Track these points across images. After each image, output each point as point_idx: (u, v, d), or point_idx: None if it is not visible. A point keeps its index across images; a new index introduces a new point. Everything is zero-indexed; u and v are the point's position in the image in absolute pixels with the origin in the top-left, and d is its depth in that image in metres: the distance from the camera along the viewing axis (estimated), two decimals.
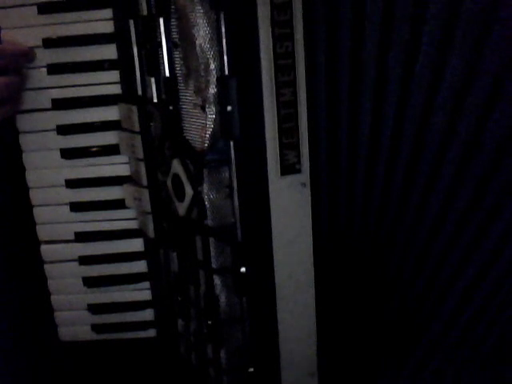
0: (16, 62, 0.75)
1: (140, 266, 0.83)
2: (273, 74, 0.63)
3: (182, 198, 0.70)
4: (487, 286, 0.72)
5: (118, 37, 0.75)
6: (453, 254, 0.71)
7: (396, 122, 0.68)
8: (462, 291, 0.73)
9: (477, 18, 0.61)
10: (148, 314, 0.85)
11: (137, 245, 0.83)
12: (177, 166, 0.69)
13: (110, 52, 0.76)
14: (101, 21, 0.75)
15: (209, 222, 0.68)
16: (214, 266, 0.69)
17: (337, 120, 0.68)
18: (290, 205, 0.67)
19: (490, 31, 0.61)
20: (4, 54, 0.73)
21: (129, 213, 0.82)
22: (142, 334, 0.86)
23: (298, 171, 0.66)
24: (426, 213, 0.71)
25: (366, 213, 0.72)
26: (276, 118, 0.64)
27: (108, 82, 0.77)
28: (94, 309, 0.85)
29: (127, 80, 0.76)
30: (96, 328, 0.86)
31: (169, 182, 0.72)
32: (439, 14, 0.62)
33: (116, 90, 0.77)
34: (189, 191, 0.68)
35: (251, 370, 0.72)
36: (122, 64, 0.76)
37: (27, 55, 0.76)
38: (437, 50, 0.63)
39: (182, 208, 0.70)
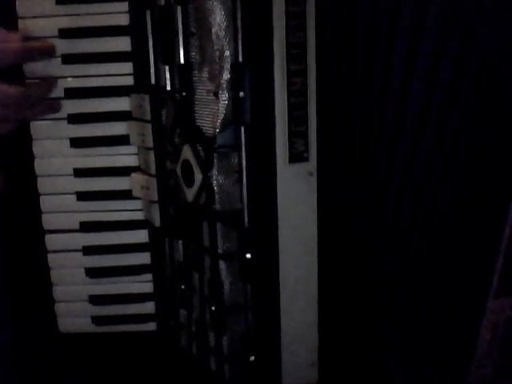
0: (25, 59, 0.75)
1: (143, 258, 0.84)
2: (285, 63, 0.65)
3: (191, 184, 0.71)
4: None
5: (132, 29, 0.77)
6: None
7: (396, 118, 0.71)
8: None
9: None
10: (149, 307, 0.85)
11: (141, 236, 0.84)
12: (187, 152, 0.71)
13: (124, 44, 0.78)
14: (117, 13, 0.77)
15: (217, 206, 0.69)
16: (219, 251, 0.70)
17: (342, 111, 0.71)
18: (296, 193, 0.68)
19: None
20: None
21: (135, 204, 0.83)
22: (142, 327, 0.86)
23: (306, 159, 0.68)
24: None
25: (370, 204, 0.74)
26: (286, 106, 0.66)
27: (121, 74, 0.79)
28: (95, 300, 0.85)
29: (140, 72, 0.78)
30: (96, 320, 0.86)
31: (178, 169, 0.73)
32: None
33: (128, 81, 0.79)
34: (198, 176, 0.70)
35: (252, 358, 0.73)
36: (136, 56, 0.78)
37: (41, 51, 0.76)
38: None
39: (190, 193, 0.72)
